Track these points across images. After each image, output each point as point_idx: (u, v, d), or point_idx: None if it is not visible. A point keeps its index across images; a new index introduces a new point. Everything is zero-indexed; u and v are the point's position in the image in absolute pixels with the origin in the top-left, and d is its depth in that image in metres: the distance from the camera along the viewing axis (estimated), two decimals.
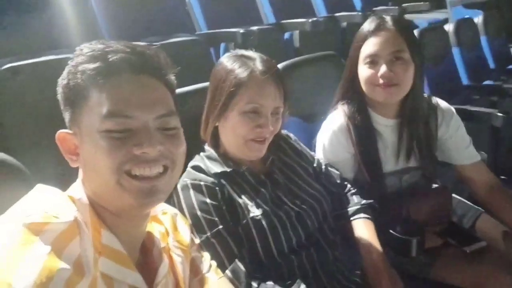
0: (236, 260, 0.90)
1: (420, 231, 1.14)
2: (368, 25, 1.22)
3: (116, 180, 0.62)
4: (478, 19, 3.14)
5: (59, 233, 0.56)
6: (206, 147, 1.06)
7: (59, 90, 0.67)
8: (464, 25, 2.92)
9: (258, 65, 0.98)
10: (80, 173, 0.68)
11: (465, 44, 2.84)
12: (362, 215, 1.13)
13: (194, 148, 1.08)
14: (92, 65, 0.63)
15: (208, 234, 0.91)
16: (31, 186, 0.81)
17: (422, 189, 1.34)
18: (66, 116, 0.68)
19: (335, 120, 1.27)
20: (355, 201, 1.17)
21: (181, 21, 2.60)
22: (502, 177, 1.72)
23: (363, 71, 1.21)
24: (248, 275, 0.89)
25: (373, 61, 1.18)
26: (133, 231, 0.70)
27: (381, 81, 1.17)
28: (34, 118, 1.33)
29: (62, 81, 0.67)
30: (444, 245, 1.20)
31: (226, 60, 1.02)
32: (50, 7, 1.88)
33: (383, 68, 1.16)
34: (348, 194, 1.19)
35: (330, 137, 1.25)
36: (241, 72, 0.97)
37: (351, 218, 1.14)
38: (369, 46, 1.19)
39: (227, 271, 0.89)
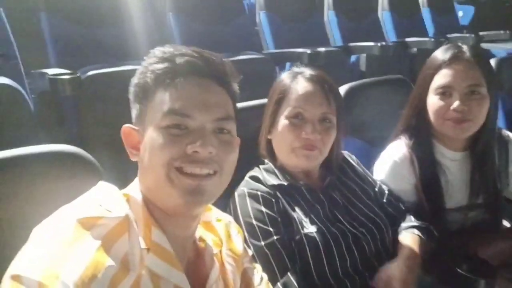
0: (289, 274, 0.88)
1: (490, 272, 1.05)
2: (443, 54, 1.15)
3: (166, 173, 0.64)
4: None
5: (110, 229, 0.58)
6: (266, 160, 1.07)
7: (130, 88, 0.71)
8: None
9: (305, 73, 1.01)
10: (139, 170, 0.70)
11: None
12: (415, 231, 1.06)
13: (254, 162, 1.09)
14: (160, 65, 0.67)
15: (262, 243, 0.91)
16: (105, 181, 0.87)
17: (488, 227, 1.24)
18: (134, 112, 0.71)
19: (397, 150, 1.22)
20: (412, 219, 1.11)
21: (250, 40, 2.69)
22: None
23: (434, 102, 1.15)
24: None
25: (446, 93, 1.12)
26: (182, 232, 0.71)
27: (453, 114, 1.11)
28: (107, 121, 1.44)
29: (133, 80, 0.71)
30: None
31: (282, 77, 1.05)
32: (132, 22, 2.03)
33: (456, 103, 1.10)
34: (407, 214, 1.13)
35: (391, 167, 1.20)
36: (287, 79, 1.02)
37: (402, 232, 1.07)
38: (443, 77, 1.13)
39: (279, 284, 0.87)
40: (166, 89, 0.66)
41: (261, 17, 2.83)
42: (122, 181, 0.80)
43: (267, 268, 0.89)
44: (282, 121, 1.00)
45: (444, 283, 1.10)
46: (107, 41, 1.97)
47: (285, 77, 1.04)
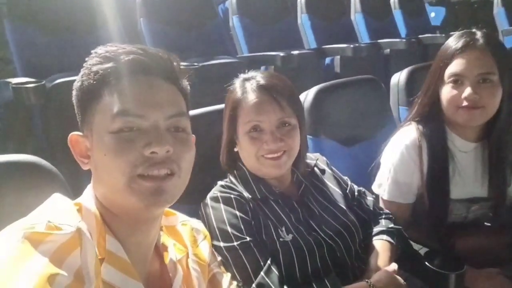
0: (262, 273, 0.87)
1: (459, 266, 1.06)
2: (455, 42, 1.12)
3: (127, 182, 0.61)
4: None
5: (59, 245, 0.54)
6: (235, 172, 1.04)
7: (74, 92, 0.67)
8: None
9: (253, 83, 0.98)
10: (92, 178, 0.68)
11: None
12: (384, 237, 1.07)
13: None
14: (105, 65, 0.63)
15: (235, 243, 0.89)
16: (66, 190, 0.84)
17: (488, 222, 1.23)
18: (79, 118, 0.67)
19: (408, 135, 1.20)
20: (383, 224, 1.12)
21: (224, 45, 2.68)
22: None
23: (447, 91, 1.13)
24: (280, 281, 0.86)
25: (458, 81, 1.11)
26: (142, 239, 0.68)
27: (465, 103, 1.10)
28: (74, 131, 1.40)
29: (76, 83, 0.66)
30: None
31: (233, 86, 1.02)
32: (102, 29, 1.99)
33: (467, 90, 1.08)
34: (380, 218, 1.13)
35: (402, 152, 1.19)
36: (235, 94, 0.98)
37: (373, 239, 1.08)
38: (455, 65, 1.10)
39: (254, 285, 0.86)
40: (113, 90, 0.62)
41: (234, 21, 2.83)
42: None
43: (240, 268, 0.87)
44: (242, 136, 0.98)
45: (417, 277, 1.10)
46: (77, 49, 1.92)
47: (236, 87, 1.00)
